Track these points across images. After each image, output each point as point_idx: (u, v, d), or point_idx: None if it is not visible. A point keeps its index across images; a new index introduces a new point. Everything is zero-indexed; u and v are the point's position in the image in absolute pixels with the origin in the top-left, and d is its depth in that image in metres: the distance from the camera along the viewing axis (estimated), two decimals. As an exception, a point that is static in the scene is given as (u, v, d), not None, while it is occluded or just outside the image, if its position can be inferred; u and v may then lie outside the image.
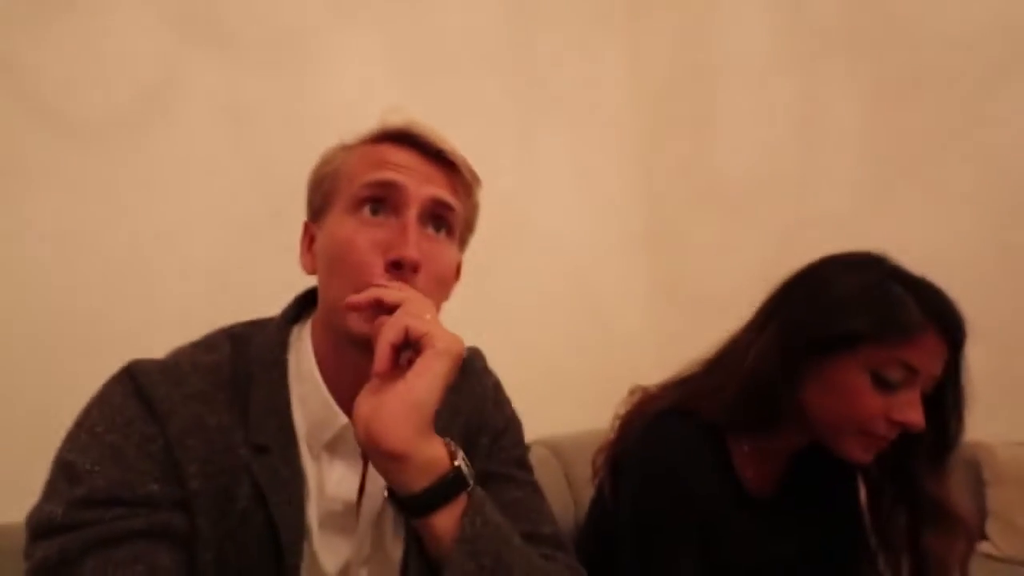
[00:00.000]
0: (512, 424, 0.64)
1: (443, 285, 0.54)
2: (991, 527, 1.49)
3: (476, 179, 0.57)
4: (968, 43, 1.83)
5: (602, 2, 2.51)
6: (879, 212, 2.00)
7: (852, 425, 0.63)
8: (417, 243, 0.49)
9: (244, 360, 0.51)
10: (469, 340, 0.71)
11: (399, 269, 0.49)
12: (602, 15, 2.50)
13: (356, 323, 0.48)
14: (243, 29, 1.41)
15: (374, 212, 0.51)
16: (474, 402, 0.61)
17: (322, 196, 0.56)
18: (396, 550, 0.54)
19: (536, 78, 2.14)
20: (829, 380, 0.63)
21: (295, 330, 0.56)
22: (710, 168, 2.45)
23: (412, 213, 0.50)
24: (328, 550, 0.51)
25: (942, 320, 0.62)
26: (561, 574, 0.49)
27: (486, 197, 0.62)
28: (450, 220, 0.54)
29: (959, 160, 1.84)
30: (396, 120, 0.55)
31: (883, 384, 0.60)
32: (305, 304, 0.59)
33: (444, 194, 0.53)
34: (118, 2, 1.23)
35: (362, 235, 0.50)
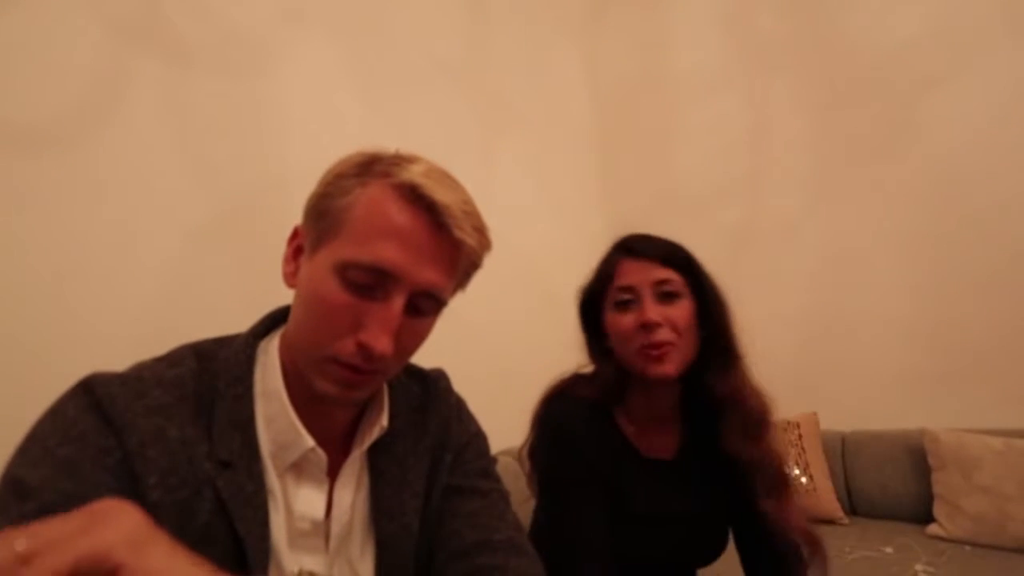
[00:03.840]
0: (475, 439, 0.64)
1: (411, 354, 0.53)
2: (937, 510, 1.57)
3: (487, 250, 0.53)
4: (900, 56, 1.95)
5: (560, 14, 2.55)
6: (823, 213, 2.10)
7: (628, 346, 0.78)
8: (394, 335, 0.46)
9: (209, 375, 0.50)
10: (433, 353, 0.70)
11: (366, 354, 0.46)
12: (560, 27, 2.55)
13: (319, 381, 0.48)
14: (190, 32, 1.36)
15: (360, 284, 0.47)
16: (439, 422, 0.61)
17: (321, 227, 0.49)
18: (366, 570, 0.53)
19: (494, 87, 2.15)
20: (609, 333, 0.81)
21: (262, 345, 0.54)
22: (666, 175, 2.52)
23: (398, 302, 0.47)
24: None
25: (629, 249, 0.82)
26: None
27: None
28: (439, 303, 0.51)
29: (894, 163, 1.96)
30: (419, 173, 0.48)
31: (622, 307, 0.79)
32: (275, 321, 0.57)
33: (442, 279, 0.49)
34: (56, 3, 1.17)
35: (343, 303, 0.46)
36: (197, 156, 1.34)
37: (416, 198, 0.47)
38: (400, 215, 0.47)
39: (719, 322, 0.79)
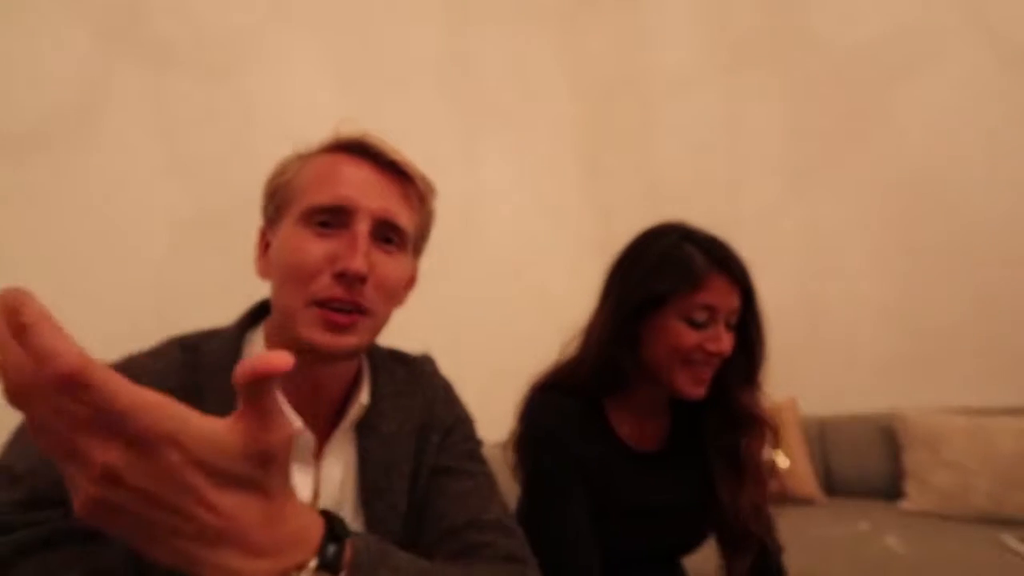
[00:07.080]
0: (461, 421, 0.65)
1: (392, 296, 0.55)
2: (907, 485, 1.64)
3: (430, 188, 0.59)
4: (870, 50, 2.01)
5: (540, 11, 2.57)
6: (799, 203, 2.16)
7: (677, 359, 0.74)
8: (366, 255, 0.50)
9: (194, 367, 0.51)
10: (421, 344, 0.73)
11: (346, 280, 0.49)
12: (541, 24, 2.57)
13: (307, 331, 0.49)
14: (172, 33, 1.37)
15: (325, 224, 0.52)
16: (424, 404, 0.62)
17: (276, 205, 0.56)
18: None
19: (476, 84, 2.18)
20: (656, 333, 0.76)
21: (248, 336, 0.57)
22: (648, 168, 2.56)
23: (362, 227, 0.51)
24: None
25: (724, 265, 0.76)
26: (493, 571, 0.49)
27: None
28: (401, 233, 0.55)
29: (865, 153, 2.02)
30: (350, 132, 0.55)
31: (694, 325, 0.74)
32: (259, 313, 0.59)
33: (395, 207, 0.54)
34: (34, 7, 1.18)
35: (313, 246, 0.51)
36: (182, 156, 1.37)
37: (353, 147, 0.55)
38: (344, 164, 0.54)
39: (756, 349, 0.78)
